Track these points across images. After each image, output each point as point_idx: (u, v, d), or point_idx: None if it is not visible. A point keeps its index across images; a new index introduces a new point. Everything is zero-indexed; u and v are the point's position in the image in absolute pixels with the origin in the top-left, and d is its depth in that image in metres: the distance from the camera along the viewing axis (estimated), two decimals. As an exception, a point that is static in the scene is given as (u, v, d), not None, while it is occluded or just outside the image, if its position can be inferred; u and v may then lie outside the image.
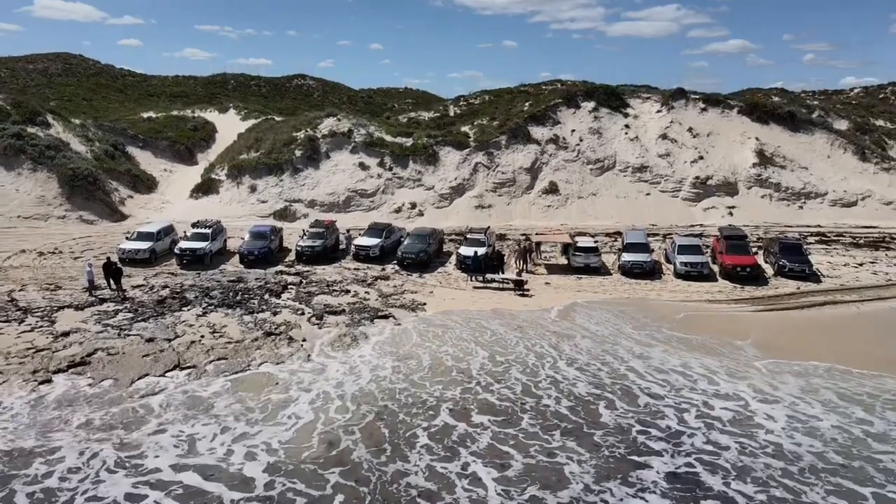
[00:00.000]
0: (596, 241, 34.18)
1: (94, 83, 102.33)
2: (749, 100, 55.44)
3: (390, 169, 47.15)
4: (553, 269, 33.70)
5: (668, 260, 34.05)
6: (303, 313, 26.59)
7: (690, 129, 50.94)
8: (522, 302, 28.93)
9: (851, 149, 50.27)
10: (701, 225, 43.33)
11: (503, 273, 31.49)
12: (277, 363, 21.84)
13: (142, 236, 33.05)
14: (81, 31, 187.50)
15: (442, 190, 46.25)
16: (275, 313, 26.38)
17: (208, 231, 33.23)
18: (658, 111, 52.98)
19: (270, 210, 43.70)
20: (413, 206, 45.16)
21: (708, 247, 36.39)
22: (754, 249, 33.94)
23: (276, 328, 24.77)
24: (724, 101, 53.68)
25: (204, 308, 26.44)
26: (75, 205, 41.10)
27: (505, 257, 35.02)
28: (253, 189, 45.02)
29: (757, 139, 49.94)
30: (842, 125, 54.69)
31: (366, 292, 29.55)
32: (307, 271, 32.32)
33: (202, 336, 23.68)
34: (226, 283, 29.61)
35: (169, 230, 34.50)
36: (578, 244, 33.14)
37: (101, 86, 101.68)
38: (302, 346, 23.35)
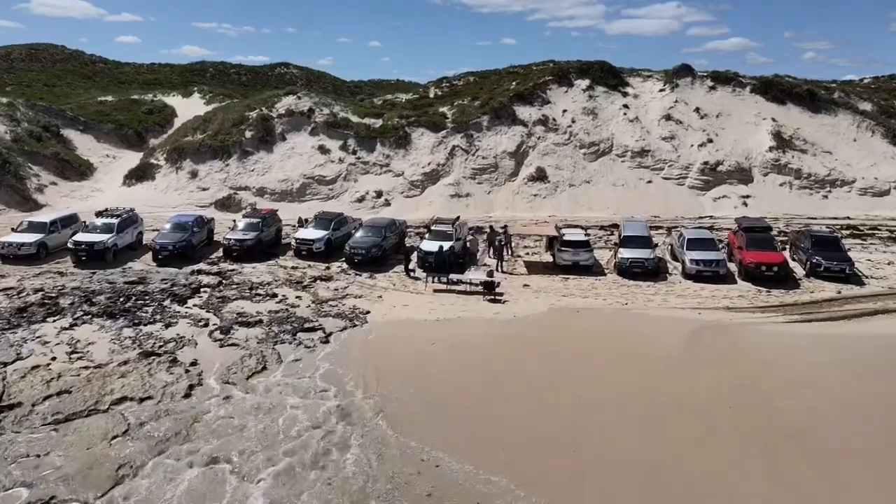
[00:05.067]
0: (587, 234, 28.16)
1: (59, 69, 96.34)
2: (763, 77, 49.34)
3: (354, 153, 41.14)
4: (535, 267, 27.70)
5: (674, 257, 28.06)
6: (206, 325, 20.62)
7: (697, 110, 44.92)
8: (493, 309, 22.94)
9: (881, 131, 44.28)
10: (711, 216, 37.34)
11: (472, 272, 25.52)
12: (143, 399, 15.86)
13: (32, 227, 27.09)
14: (79, 28, 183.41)
15: (413, 176, 40.25)
16: (168, 325, 20.41)
17: (113, 222, 27.22)
18: (661, 90, 46.95)
19: (212, 199, 37.69)
20: (379, 194, 39.16)
21: (722, 241, 30.44)
22: (780, 244, 27.87)
23: (160, 346, 18.80)
24: (736, 79, 47.63)
25: (76, 319, 20.45)
26: (-21, 191, 35.13)
27: (478, 253, 29.09)
28: (194, 175, 38.99)
29: (773, 120, 43.92)
30: (866, 107, 48.61)
31: (297, 297, 23.56)
32: (232, 270, 26.33)
33: (53, 358, 17.70)
34: (120, 286, 23.61)
35: (70, 221, 28.51)
36: (565, 237, 27.14)
37: (67, 72, 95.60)
38: (187, 372, 17.38)
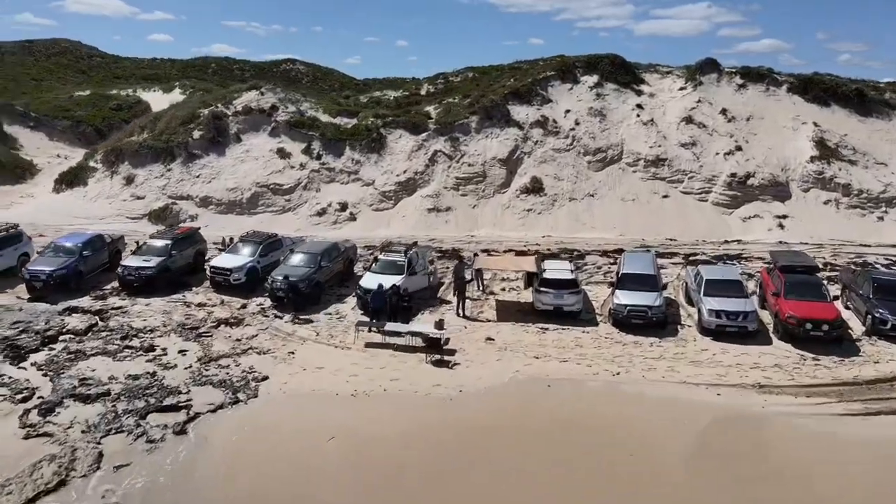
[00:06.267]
0: (574, 271, 21.92)
1: (53, 63, 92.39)
2: (802, 75, 42.44)
3: (319, 157, 35.36)
4: (508, 311, 21.60)
5: (689, 299, 21.77)
6: (27, 399, 14.93)
7: (724, 112, 38.26)
8: (434, 377, 16.92)
9: (946, 139, 37.19)
10: (739, 241, 30.82)
11: (419, 321, 19.55)
12: None
13: None
14: (112, 26, 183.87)
15: (386, 186, 34.33)
16: (-32, 401, 14.74)
17: (-20, 242, 21.80)
18: (681, 88, 40.35)
19: (146, 209, 32.21)
20: (343, 207, 33.32)
21: (751, 276, 24.08)
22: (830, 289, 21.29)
23: (-69, 440, 13.13)
24: (770, 76, 40.79)
25: None
26: None
27: (440, 290, 23.13)
28: (129, 181, 33.54)
29: (815, 125, 37.10)
30: (925, 110, 41.41)
31: (181, 352, 17.79)
32: (118, 309, 20.64)
33: None
34: (-52, 333, 18.06)
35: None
36: (545, 274, 20.97)
37: (60, 66, 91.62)
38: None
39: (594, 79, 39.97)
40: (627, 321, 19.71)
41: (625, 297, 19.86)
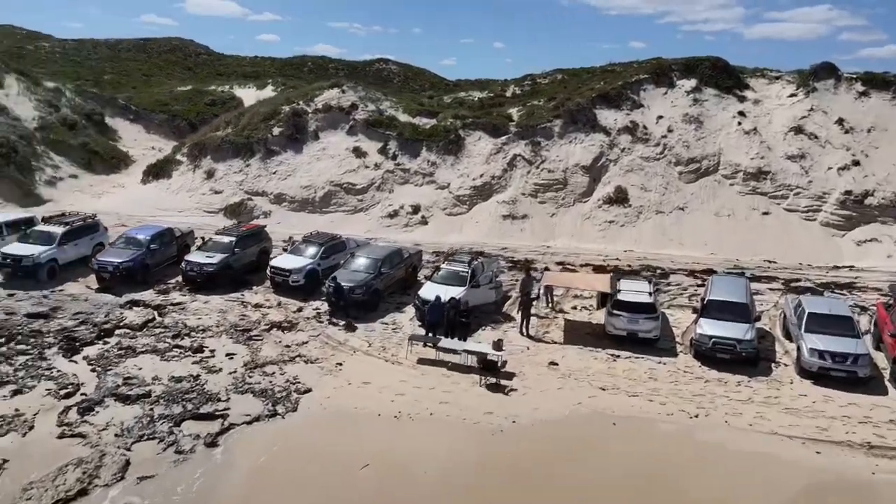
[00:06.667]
0: (654, 293, 19.77)
1: (163, 60, 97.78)
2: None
3: (394, 157, 34.62)
4: (577, 333, 19.79)
5: (787, 334, 19.13)
6: (70, 395, 14.73)
7: (841, 122, 34.35)
8: (487, 402, 15.47)
9: None
10: (851, 267, 27.32)
11: (476, 339, 18.14)
12: None
13: (-34, 233, 22.71)
14: (226, 26, 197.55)
15: (461, 190, 33.10)
16: (18, 392, 14.70)
17: (57, 231, 22.31)
18: (791, 95, 36.63)
19: (223, 204, 32.54)
20: (415, 209, 32.36)
21: (864, 310, 21.06)
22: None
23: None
24: (897, 83, 36.38)
25: (-89, 369, 15.26)
26: (-23, 183, 32.00)
27: (505, 304, 21.63)
28: (210, 175, 34.08)
29: (950, 139, 32.61)
30: None
31: (228, 355, 17.26)
32: (177, 305, 20.49)
33: None
34: (15, 320, 18.32)
35: (25, 224, 23.85)
36: (619, 296, 18.99)
37: (169, 63, 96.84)
38: (-32, 485, 11.44)
39: (692, 83, 37.03)
40: (711, 354, 17.44)
41: (710, 327, 17.59)
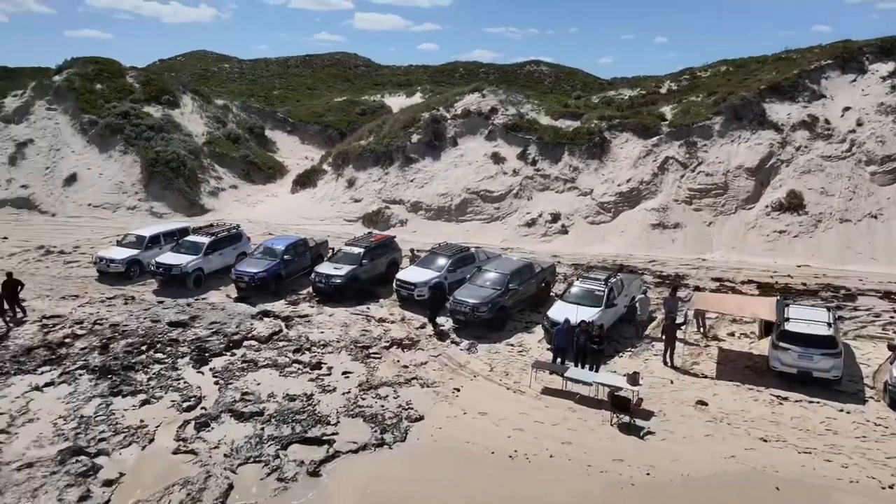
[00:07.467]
0: (834, 322, 16.30)
1: (325, 73, 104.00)
2: None
3: (533, 163, 32.91)
4: (734, 365, 16.91)
5: None
6: (191, 409, 14.93)
7: None
8: (616, 447, 13.40)
9: None
10: None
11: (608, 369, 16.03)
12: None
13: (131, 243, 24.60)
14: (389, 39, 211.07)
15: (604, 196, 30.64)
16: (146, 402, 15.17)
17: (204, 241, 23.45)
18: None
19: (362, 212, 32.87)
20: (555, 218, 30.44)
21: None
22: None
23: (97, 441, 13.53)
24: None
25: (62, 374, 16.36)
26: (151, 194, 35.08)
27: (648, 327, 19.23)
28: (351, 183, 34.66)
29: None
30: None
31: (345, 373, 16.76)
32: (303, 317, 20.52)
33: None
34: (159, 328, 19.25)
35: (179, 234, 25.48)
36: (790, 325, 15.85)
37: (331, 76, 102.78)
38: (83, 501, 11.73)
39: (889, 67, 31.36)
40: (914, 406, 13.91)
41: (912, 371, 14.04)
